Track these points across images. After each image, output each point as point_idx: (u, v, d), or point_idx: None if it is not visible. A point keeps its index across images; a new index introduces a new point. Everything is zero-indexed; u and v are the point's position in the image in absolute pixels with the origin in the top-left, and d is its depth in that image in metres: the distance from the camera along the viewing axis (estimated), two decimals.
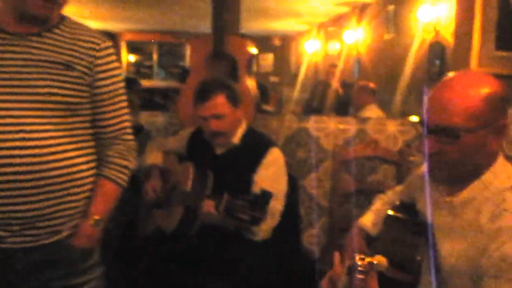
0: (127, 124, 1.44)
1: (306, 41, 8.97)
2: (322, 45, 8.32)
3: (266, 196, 1.64)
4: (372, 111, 3.70)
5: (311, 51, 8.70)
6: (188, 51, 10.47)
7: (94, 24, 8.46)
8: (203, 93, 1.97)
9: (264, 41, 9.40)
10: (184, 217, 1.92)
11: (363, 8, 6.50)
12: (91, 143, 1.39)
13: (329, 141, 2.65)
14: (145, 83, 6.46)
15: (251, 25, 7.41)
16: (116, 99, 1.41)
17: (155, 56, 10.56)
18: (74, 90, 1.31)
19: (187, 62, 8.27)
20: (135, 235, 2.13)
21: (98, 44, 1.36)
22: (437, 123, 1.15)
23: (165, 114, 2.81)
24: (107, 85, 1.38)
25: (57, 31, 1.33)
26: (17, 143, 1.23)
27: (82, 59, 1.33)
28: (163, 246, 1.97)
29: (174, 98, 4.20)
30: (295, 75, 8.94)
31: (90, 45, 1.35)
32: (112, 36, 9.22)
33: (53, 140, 1.27)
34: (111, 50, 1.39)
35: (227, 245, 1.90)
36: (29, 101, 1.25)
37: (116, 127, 1.42)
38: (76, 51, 1.33)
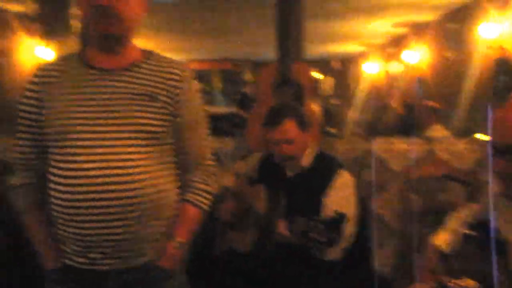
0: (208, 150, 1.50)
1: (365, 63, 8.95)
2: (382, 66, 8.28)
3: (341, 217, 1.68)
4: (438, 131, 3.66)
5: (370, 72, 8.67)
6: (247, 77, 10.76)
7: None
8: (274, 118, 2.05)
9: (323, 65, 9.46)
10: (258, 238, 1.98)
11: (422, 28, 6.44)
12: (176, 170, 1.45)
13: (397, 162, 2.65)
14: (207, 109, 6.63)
15: (310, 49, 7.49)
16: (197, 126, 1.46)
17: (216, 84, 10.85)
18: (159, 119, 1.37)
19: (247, 88, 8.46)
20: (209, 254, 2.21)
21: (179, 75, 1.42)
22: (507, 143, 1.15)
23: (233, 139, 2.90)
24: (188, 114, 1.43)
25: (144, 65, 1.41)
26: (110, 171, 1.31)
27: (165, 90, 1.39)
28: (237, 265, 2.04)
29: (240, 124, 4.34)
30: (355, 97, 8.91)
31: (172, 76, 1.42)
32: None
33: (143, 168, 1.34)
34: (191, 80, 1.45)
35: (299, 266, 1.94)
36: (119, 131, 1.33)
37: (198, 153, 1.47)
38: (160, 82, 1.39)
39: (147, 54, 1.45)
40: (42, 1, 3.80)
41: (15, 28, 5.06)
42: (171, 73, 1.42)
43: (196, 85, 1.48)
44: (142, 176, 1.33)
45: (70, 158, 1.33)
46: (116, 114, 1.34)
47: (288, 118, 2.03)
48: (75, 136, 1.33)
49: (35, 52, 5.24)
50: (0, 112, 4.79)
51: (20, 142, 1.43)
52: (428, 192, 2.63)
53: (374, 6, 5.56)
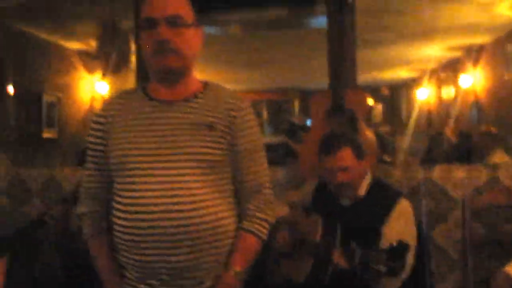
0: (265, 178, 1.50)
1: (417, 88, 8.78)
2: (435, 92, 8.10)
3: (404, 247, 1.63)
4: (499, 157, 3.52)
5: (422, 98, 8.49)
6: (296, 106, 10.82)
7: None
8: (329, 146, 2.04)
9: (372, 91, 9.36)
10: (314, 268, 1.95)
11: (478, 50, 6.28)
12: (233, 198, 1.47)
13: (458, 190, 2.55)
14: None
15: (359, 76, 7.44)
16: (255, 155, 1.48)
17: (264, 113, 10.93)
18: (218, 149, 1.40)
19: (295, 117, 8.48)
20: (264, 284, 2.19)
21: (236, 105, 1.46)
22: None
23: (285, 169, 2.89)
24: (245, 143, 1.45)
25: (202, 96, 1.45)
26: (171, 199, 1.34)
27: (223, 119, 1.42)
28: None
29: (290, 153, 4.33)
30: (407, 124, 8.73)
31: (229, 106, 1.45)
32: None
33: (201, 196, 1.37)
34: (248, 110, 1.48)
35: None
36: (179, 160, 1.36)
37: (255, 182, 1.48)
38: (218, 112, 1.43)
39: (205, 85, 1.49)
40: (103, 39, 3.98)
41: (76, 64, 5.33)
42: (229, 103, 1.45)
43: (252, 114, 1.50)
44: (201, 204, 1.35)
45: (131, 187, 1.37)
46: (176, 144, 1.37)
47: (343, 146, 2.01)
48: (136, 165, 1.37)
49: (95, 87, 5.49)
50: (64, 144, 5.02)
51: (87, 172, 1.51)
52: (491, 221, 2.51)
53: (425, 31, 5.49)
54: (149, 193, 1.34)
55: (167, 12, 1.37)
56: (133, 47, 3.86)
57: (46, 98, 4.76)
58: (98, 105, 5.54)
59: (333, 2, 2.56)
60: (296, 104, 10.85)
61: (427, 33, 5.59)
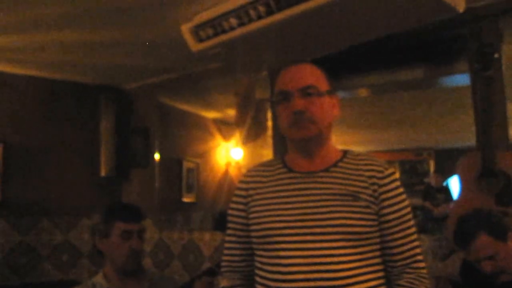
0: (417, 251, 1.40)
1: None
2: None
3: None
4: None
5: None
6: (431, 167, 10.22)
7: None
8: (464, 237, 1.85)
9: None
10: None
11: None
12: (382, 272, 1.38)
13: None
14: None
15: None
16: (404, 226, 1.39)
17: (397, 174, 10.48)
18: (363, 219, 1.34)
19: (431, 178, 7.97)
20: None
21: (380, 172, 1.40)
22: None
23: (427, 236, 2.68)
24: (393, 213, 1.38)
25: (342, 164, 1.42)
26: (318, 275, 1.28)
27: (367, 188, 1.37)
28: None
29: (431, 217, 4.03)
30: None
31: (373, 173, 1.40)
32: None
33: (351, 271, 1.30)
34: (392, 177, 1.41)
35: None
36: (324, 233, 1.32)
37: (406, 255, 1.38)
38: (361, 181, 1.38)
39: (344, 153, 1.47)
40: (239, 108, 4.15)
41: (213, 132, 5.63)
42: (372, 171, 1.41)
43: (398, 181, 1.43)
44: (351, 280, 1.30)
45: (276, 261, 1.34)
46: (320, 216, 1.34)
47: (479, 234, 1.81)
48: (281, 239, 1.34)
49: (230, 153, 5.72)
50: (201, 209, 5.23)
51: (228, 245, 1.52)
52: None
53: None
54: (296, 268, 1.30)
55: (301, 84, 1.39)
56: (269, 115, 3.97)
57: (186, 164, 5.04)
58: (233, 171, 5.74)
59: (478, 58, 2.39)
60: (432, 164, 10.26)
61: None
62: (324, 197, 1.36)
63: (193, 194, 5.16)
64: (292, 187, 1.40)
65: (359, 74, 3.49)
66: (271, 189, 1.43)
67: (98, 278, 1.99)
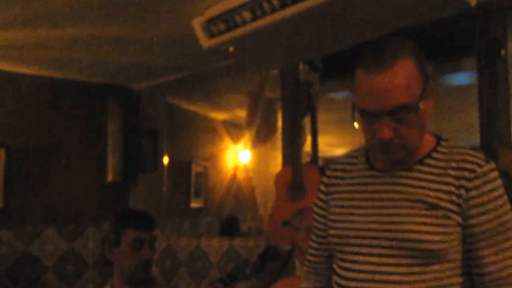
0: None
1: None
2: None
3: None
4: None
5: None
6: None
7: (341, 150, 8.86)
8: None
9: None
10: None
11: None
12: None
13: None
14: None
15: None
16: (498, 238, 1.12)
17: None
18: (438, 234, 1.11)
19: None
20: None
21: (472, 172, 1.13)
22: None
23: None
24: (484, 223, 1.12)
25: (428, 161, 1.18)
26: None
27: (450, 194, 1.12)
28: None
29: None
30: None
31: (462, 173, 1.13)
32: None
33: None
34: (489, 176, 1.13)
35: None
36: (389, 246, 1.14)
37: (497, 275, 1.13)
38: (445, 183, 1.14)
39: (437, 144, 1.22)
40: (249, 109, 4.03)
41: (221, 134, 5.50)
42: (463, 170, 1.14)
43: (496, 181, 1.14)
44: None
45: (348, 265, 1.20)
46: (389, 227, 1.15)
47: None
48: (347, 249, 1.22)
49: (239, 156, 5.59)
50: (209, 214, 5.10)
51: (310, 244, 1.40)
52: None
53: None
54: (357, 284, 1.16)
55: (390, 104, 1.11)
56: (279, 116, 3.85)
57: (195, 168, 4.91)
58: (240, 174, 5.61)
59: (484, 54, 2.32)
60: None
61: None
62: (398, 203, 1.16)
63: (201, 199, 5.02)
64: (370, 188, 1.22)
65: None
66: (349, 188, 1.27)
67: None
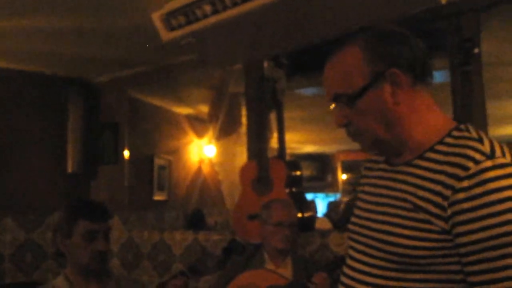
0: None
1: None
2: None
3: None
4: None
5: None
6: None
7: (310, 148, 8.98)
8: None
9: None
10: None
11: None
12: None
13: None
14: None
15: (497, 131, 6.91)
16: (491, 254, 0.90)
17: None
18: (416, 239, 0.96)
19: None
20: None
21: (466, 169, 0.93)
22: None
23: None
24: (470, 233, 0.91)
25: (431, 155, 1.02)
26: None
27: (438, 195, 0.95)
28: None
29: None
30: None
31: (455, 170, 0.94)
32: (326, 158, 9.59)
33: None
34: (490, 176, 0.91)
35: None
36: (367, 245, 1.07)
37: None
38: (437, 182, 0.96)
39: (448, 135, 1.03)
40: (212, 104, 4.06)
41: (185, 129, 5.51)
42: (457, 166, 0.95)
43: (498, 181, 0.91)
44: None
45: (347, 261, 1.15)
46: (373, 225, 1.07)
47: None
48: (351, 241, 1.15)
49: (203, 150, 5.61)
50: (173, 207, 5.11)
51: None
52: None
53: None
54: (344, 279, 1.12)
55: (329, 92, 1.10)
56: (243, 111, 3.88)
57: (157, 161, 4.91)
58: (205, 168, 5.63)
59: (458, 53, 2.36)
60: None
61: None
62: (388, 201, 1.05)
63: (164, 192, 5.03)
64: (378, 182, 1.13)
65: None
66: (366, 185, 1.18)
67: (59, 281, 1.84)
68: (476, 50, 2.36)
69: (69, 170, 3.99)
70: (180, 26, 2.46)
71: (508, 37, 3.28)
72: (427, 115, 1.06)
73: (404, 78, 1.04)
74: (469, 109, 2.33)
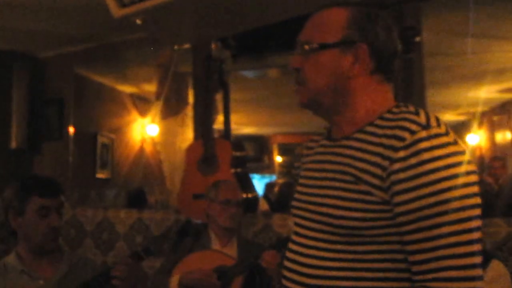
0: (443, 264, 0.90)
1: (468, 133, 8.55)
2: (487, 136, 7.86)
3: None
4: None
5: (473, 143, 8.25)
6: None
7: (249, 130, 9.10)
8: None
9: None
10: None
11: None
12: (392, 283, 0.98)
13: None
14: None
15: None
16: (428, 222, 0.91)
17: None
18: (356, 210, 0.97)
19: None
20: None
21: (402, 140, 0.95)
22: None
23: None
24: (408, 202, 0.92)
25: (370, 129, 1.04)
26: (300, 268, 1.06)
27: (376, 166, 0.97)
28: None
29: None
30: None
31: (391, 142, 0.96)
32: (264, 140, 9.76)
33: (321, 271, 1.02)
34: (425, 146, 0.92)
35: None
36: (311, 220, 1.08)
37: (423, 267, 0.93)
38: (375, 154, 0.98)
39: (389, 111, 1.05)
40: (158, 83, 4.09)
41: (129, 107, 5.48)
42: (394, 138, 0.96)
43: (431, 152, 0.92)
44: (322, 282, 1.01)
45: (291, 237, 1.16)
46: (315, 199, 1.07)
47: None
48: (294, 217, 1.15)
49: (146, 130, 5.61)
50: (116, 185, 5.09)
51: None
52: None
53: (478, 73, 5.38)
54: (288, 253, 1.13)
55: (301, 38, 1.12)
56: (190, 91, 3.92)
57: (101, 139, 4.87)
58: (148, 147, 5.64)
59: (401, 42, 2.51)
60: None
61: (481, 75, 5.47)
62: (329, 174, 1.06)
63: (107, 170, 5.00)
64: (318, 158, 1.14)
65: (273, 54, 3.47)
66: (308, 163, 1.19)
67: (10, 259, 1.82)
68: (417, 39, 2.46)
69: (13, 145, 3.88)
70: (132, 3, 2.46)
71: (446, 27, 3.44)
72: (377, 99, 1.08)
73: (368, 60, 1.07)
74: (409, 96, 2.45)
